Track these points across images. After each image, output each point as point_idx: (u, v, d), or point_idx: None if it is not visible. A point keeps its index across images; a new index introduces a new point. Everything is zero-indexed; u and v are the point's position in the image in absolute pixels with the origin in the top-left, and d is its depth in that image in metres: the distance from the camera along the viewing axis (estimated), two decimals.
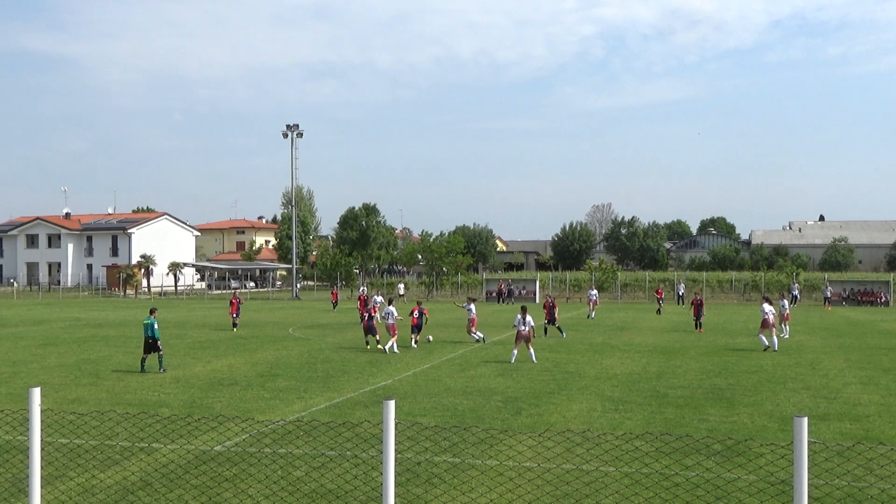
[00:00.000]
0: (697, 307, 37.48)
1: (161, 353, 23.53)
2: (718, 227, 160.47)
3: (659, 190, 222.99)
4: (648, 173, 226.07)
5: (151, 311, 24.57)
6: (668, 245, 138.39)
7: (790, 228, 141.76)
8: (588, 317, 47.23)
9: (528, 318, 25.75)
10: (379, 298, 41.69)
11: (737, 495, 10.25)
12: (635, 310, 57.47)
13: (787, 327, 34.80)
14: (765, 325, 29.06)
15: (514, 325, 25.74)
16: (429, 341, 31.25)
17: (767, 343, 28.61)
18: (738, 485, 10.74)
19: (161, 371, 23.06)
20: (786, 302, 35.83)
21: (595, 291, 51.55)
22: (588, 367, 23.87)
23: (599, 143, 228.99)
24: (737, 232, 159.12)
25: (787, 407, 17.19)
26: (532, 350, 25.26)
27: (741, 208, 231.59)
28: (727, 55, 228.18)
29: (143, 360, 23.56)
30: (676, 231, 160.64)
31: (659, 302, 54.65)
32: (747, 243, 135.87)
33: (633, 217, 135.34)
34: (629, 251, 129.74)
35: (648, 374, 22.32)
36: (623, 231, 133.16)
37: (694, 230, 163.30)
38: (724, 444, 12.62)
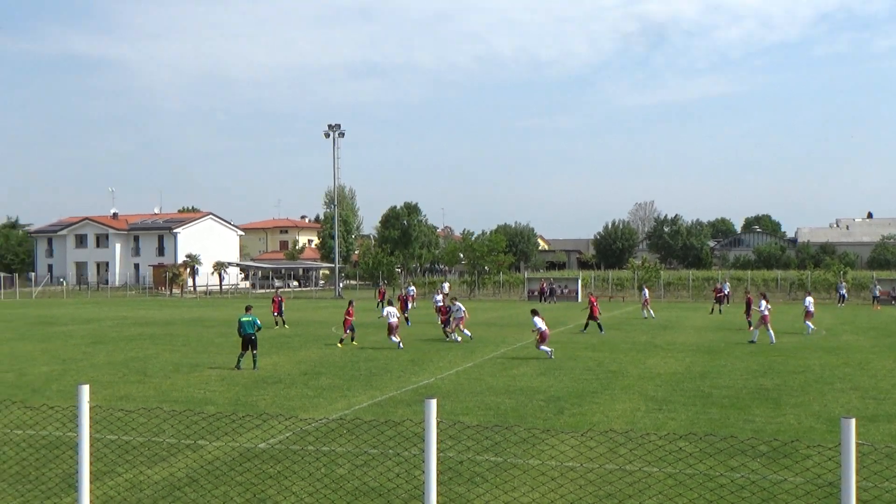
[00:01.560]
0: (748, 305, 37.62)
1: (256, 351, 23.47)
2: (763, 224, 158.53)
3: (702, 187, 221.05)
4: (692, 170, 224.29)
5: (247, 309, 24.77)
6: (711, 243, 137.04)
7: (837, 226, 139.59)
8: (647, 318, 45.58)
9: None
10: (439, 297, 41.91)
11: (783, 497, 10.12)
12: (679, 309, 56.92)
13: (765, 329, 32.03)
14: (764, 320, 31.12)
15: (538, 328, 26.01)
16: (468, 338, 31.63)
17: (772, 336, 30.51)
18: (785, 487, 10.61)
19: (255, 370, 23.04)
20: (763, 303, 32.84)
21: (646, 291, 49.75)
22: (631, 367, 23.71)
23: (642, 141, 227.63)
24: (782, 230, 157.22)
25: (835, 408, 16.92)
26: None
27: (787, 205, 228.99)
28: (772, 50, 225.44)
29: (240, 357, 23.50)
30: (720, 229, 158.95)
31: (716, 301, 53.35)
32: (793, 241, 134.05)
33: (676, 215, 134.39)
34: (672, 249, 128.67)
35: (692, 374, 22.11)
36: (666, 229, 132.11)
37: (738, 228, 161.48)
38: (770, 446, 12.47)
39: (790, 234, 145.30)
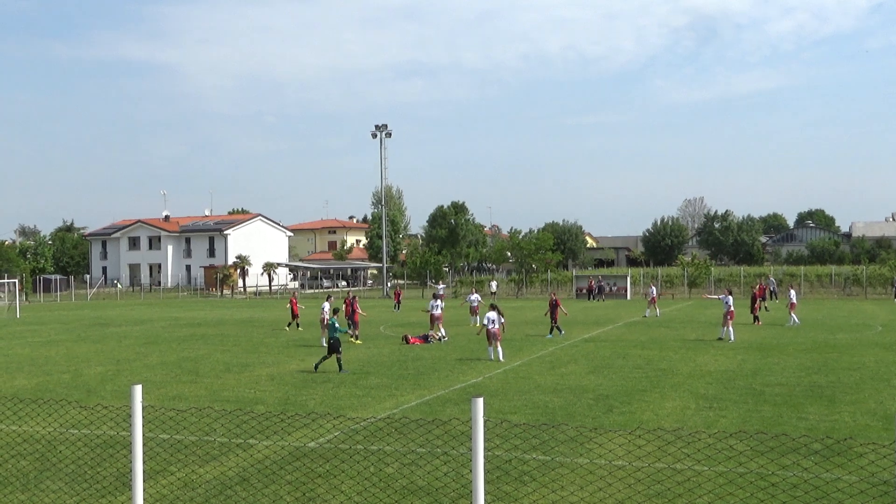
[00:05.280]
0: (752, 299, 39.58)
1: (340, 354, 22.74)
2: (817, 219, 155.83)
3: (754, 182, 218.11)
4: (742, 165, 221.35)
5: (334, 312, 24.69)
6: (763, 239, 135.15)
7: (893, 220, 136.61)
8: (644, 315, 44.42)
9: (498, 315, 25.23)
10: (474, 297, 40.36)
11: (837, 496, 9.94)
12: None
13: (731, 329, 30.38)
14: (732, 316, 30.59)
15: (485, 324, 25.28)
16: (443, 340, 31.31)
17: (723, 335, 30.19)
18: (839, 485, 10.42)
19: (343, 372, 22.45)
20: (730, 299, 31.44)
21: (654, 288, 47.99)
22: (681, 364, 23.47)
23: (691, 136, 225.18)
24: (836, 224, 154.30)
25: (891, 405, 16.57)
26: (501, 349, 24.82)
27: (841, 200, 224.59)
28: (825, 42, 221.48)
29: (323, 361, 22.98)
30: (772, 224, 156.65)
31: (761, 298, 51.72)
32: (847, 236, 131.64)
33: (726, 211, 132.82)
34: (723, 246, 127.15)
35: (744, 371, 21.82)
36: (716, 225, 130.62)
37: (791, 223, 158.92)
38: (823, 444, 12.25)
39: (844, 229, 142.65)
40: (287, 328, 38.23)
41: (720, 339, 30.28)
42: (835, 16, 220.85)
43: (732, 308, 30.73)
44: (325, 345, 29.64)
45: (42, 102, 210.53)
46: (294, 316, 38.51)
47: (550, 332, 33.04)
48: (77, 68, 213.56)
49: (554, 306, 33.19)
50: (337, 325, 23.11)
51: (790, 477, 10.82)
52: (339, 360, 22.62)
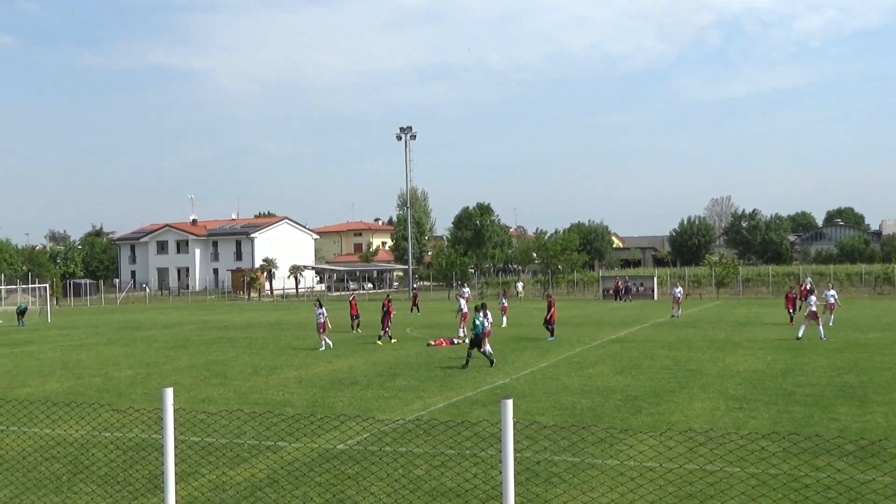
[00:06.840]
0: (793, 301, 39.11)
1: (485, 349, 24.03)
2: (846, 217, 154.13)
3: (781, 181, 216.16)
4: (770, 164, 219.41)
5: (478, 309, 25.01)
6: (792, 238, 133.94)
7: None
8: (672, 316, 44.32)
9: (488, 314, 25.23)
10: (505, 300, 41.99)
11: (871, 497, 9.83)
12: (758, 305, 55.72)
13: (818, 327, 30.21)
14: (814, 315, 30.00)
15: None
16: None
17: (802, 334, 29.74)
18: (873, 486, 10.29)
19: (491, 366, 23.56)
20: (813, 298, 31.25)
21: (679, 289, 47.39)
22: (710, 365, 23.30)
23: (717, 135, 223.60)
24: (866, 222, 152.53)
25: None
26: (489, 347, 24.84)
27: (870, 197, 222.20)
28: (853, 38, 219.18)
29: (469, 355, 23.95)
30: (801, 223, 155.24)
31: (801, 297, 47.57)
32: (878, 234, 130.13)
33: (754, 209, 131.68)
34: (751, 245, 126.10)
35: (774, 372, 21.62)
36: (744, 224, 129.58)
37: (820, 221, 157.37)
38: (856, 445, 12.11)
39: (874, 227, 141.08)
40: (358, 330, 38.06)
41: (822, 338, 29.41)
42: (863, 11, 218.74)
43: (814, 308, 30.05)
44: (323, 349, 29.71)
45: (70, 110, 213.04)
46: (353, 317, 38.83)
47: (552, 335, 32.29)
48: (105, 76, 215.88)
49: (550, 308, 32.58)
50: (476, 322, 24.14)
51: (823, 478, 10.70)
52: (486, 353, 23.90)
